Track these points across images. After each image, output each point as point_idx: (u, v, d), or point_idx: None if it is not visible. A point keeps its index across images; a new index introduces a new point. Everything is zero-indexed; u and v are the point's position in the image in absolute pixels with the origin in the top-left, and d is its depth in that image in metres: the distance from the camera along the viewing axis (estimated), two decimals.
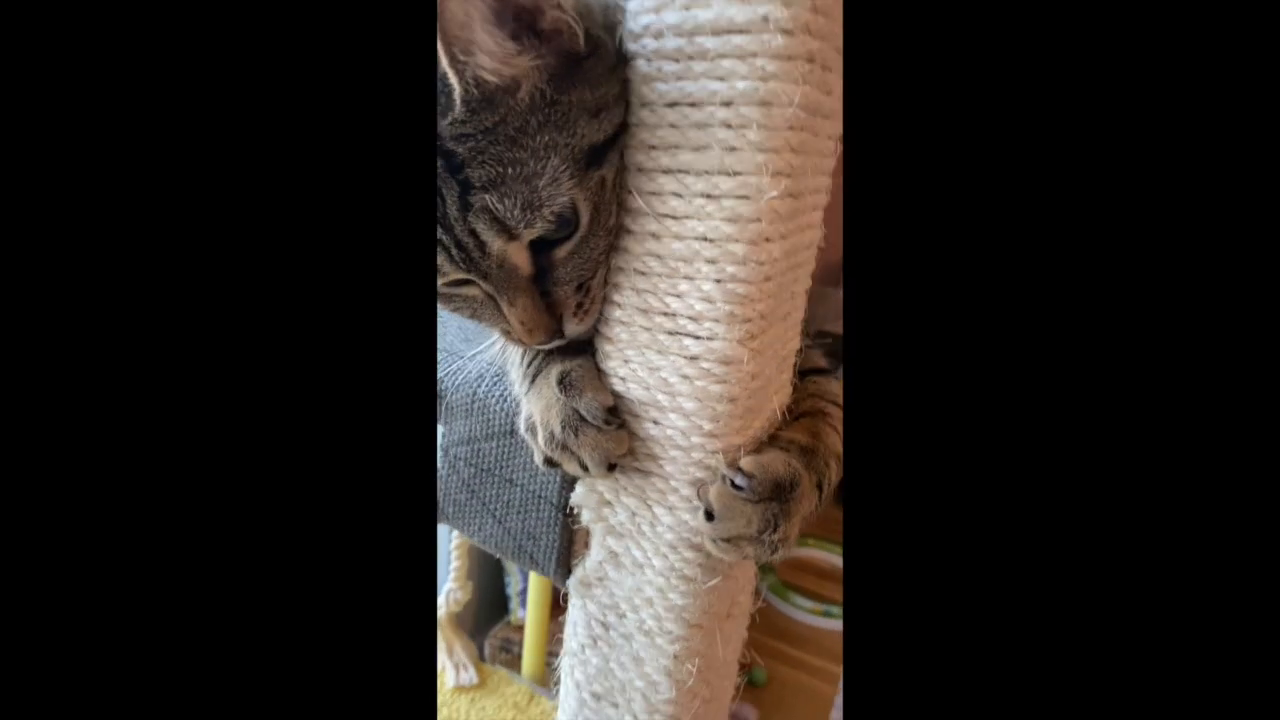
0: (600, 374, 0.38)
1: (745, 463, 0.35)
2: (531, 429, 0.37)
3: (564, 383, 0.36)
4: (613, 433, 0.36)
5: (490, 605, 1.64)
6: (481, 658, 1.27)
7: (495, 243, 0.32)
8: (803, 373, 0.46)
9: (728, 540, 0.35)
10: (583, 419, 0.36)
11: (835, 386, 0.46)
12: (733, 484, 0.35)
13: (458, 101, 0.30)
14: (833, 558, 2.47)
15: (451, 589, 1.12)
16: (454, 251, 0.33)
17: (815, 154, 0.35)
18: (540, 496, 0.42)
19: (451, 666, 1.13)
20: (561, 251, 0.33)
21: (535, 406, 0.37)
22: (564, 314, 0.35)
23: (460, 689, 1.13)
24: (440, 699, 1.10)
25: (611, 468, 0.36)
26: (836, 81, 0.35)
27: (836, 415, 0.43)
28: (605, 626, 0.42)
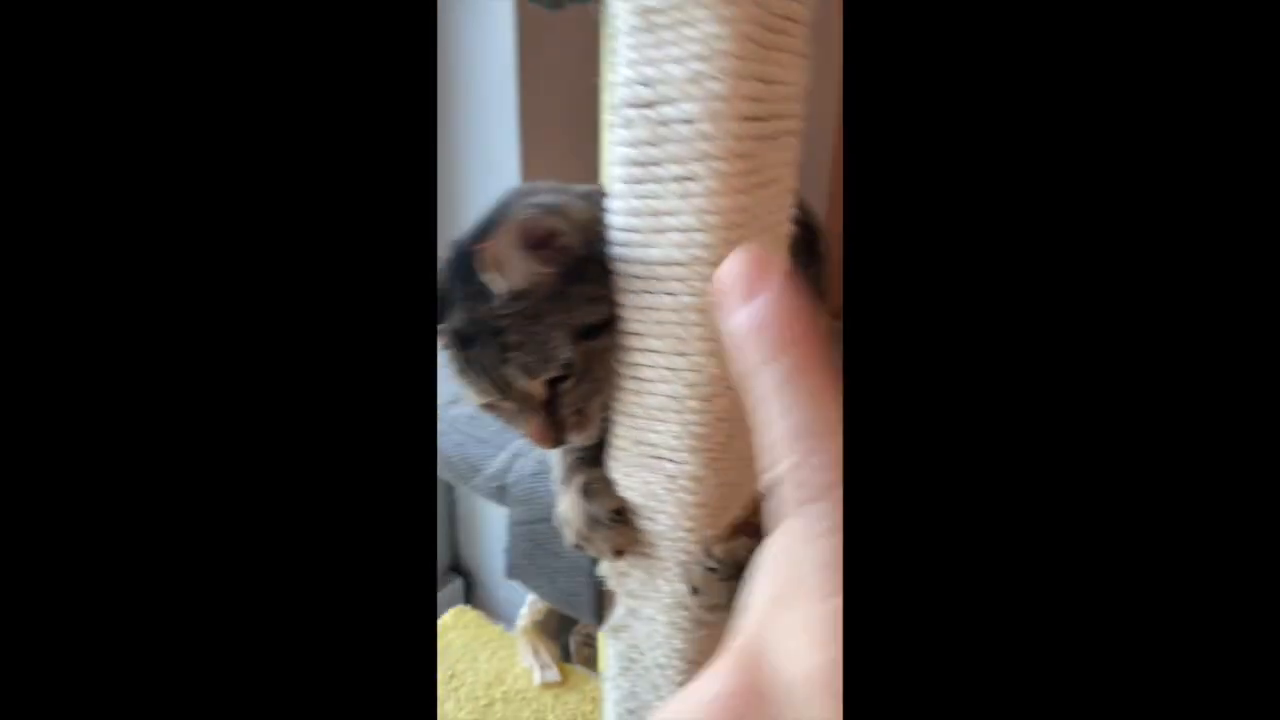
0: (611, 484, 0.52)
1: (716, 550, 0.48)
2: (564, 523, 0.52)
3: (585, 491, 0.51)
4: (619, 529, 0.50)
5: None
6: (568, 654, 1.43)
7: (520, 382, 0.47)
8: None
9: (708, 609, 0.48)
10: (597, 519, 0.50)
11: None
12: (707, 567, 0.48)
13: (498, 298, 0.45)
14: None
15: (533, 600, 1.30)
16: (491, 385, 0.48)
17: None
18: (578, 566, 0.57)
19: (537, 667, 1.31)
20: (565, 386, 0.48)
21: (565, 506, 0.52)
22: (566, 429, 0.49)
23: (546, 685, 1.30)
24: (528, 695, 1.28)
25: (619, 553, 0.50)
26: None
27: None
28: (631, 661, 0.56)
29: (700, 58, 0.38)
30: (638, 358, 0.47)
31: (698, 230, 0.41)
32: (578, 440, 0.51)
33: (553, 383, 0.48)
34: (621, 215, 0.44)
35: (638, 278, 0.45)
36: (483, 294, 0.45)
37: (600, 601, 0.57)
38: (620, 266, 0.45)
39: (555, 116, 1.26)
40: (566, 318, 0.46)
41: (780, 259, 0.49)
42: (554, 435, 0.49)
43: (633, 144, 0.42)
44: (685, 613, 0.51)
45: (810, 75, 0.46)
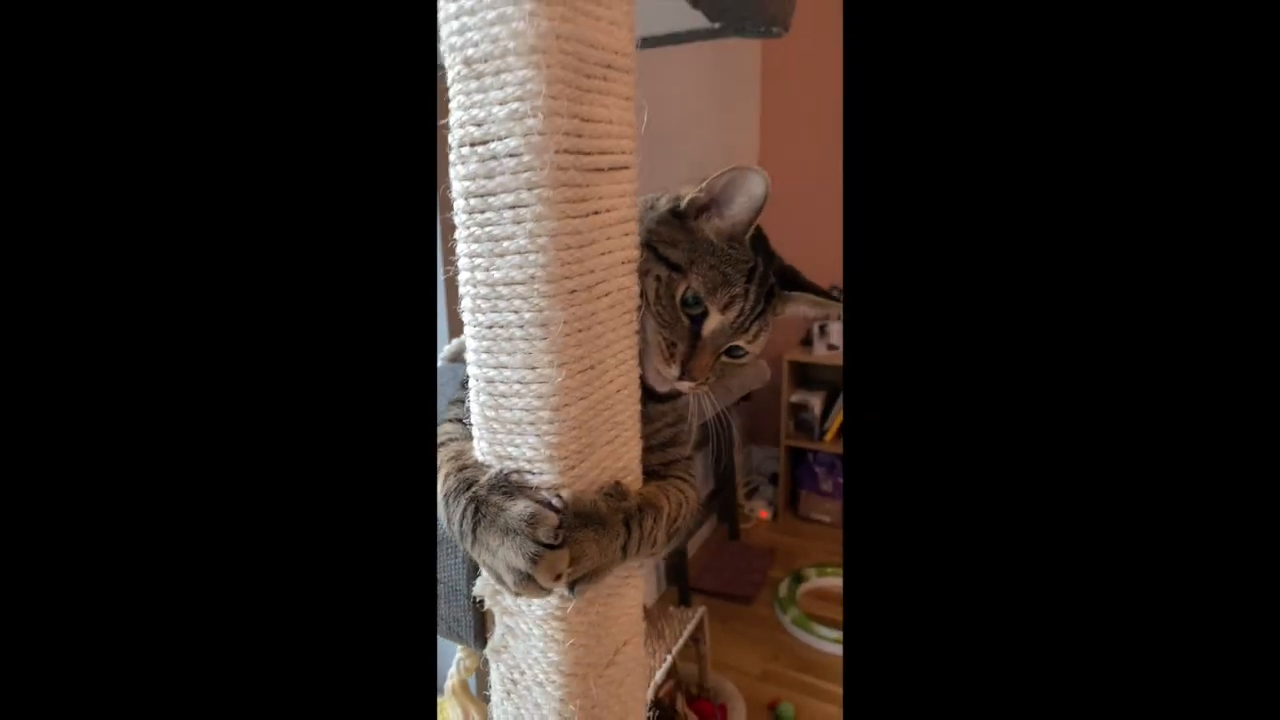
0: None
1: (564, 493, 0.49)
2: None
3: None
4: None
5: None
6: None
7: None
8: (667, 462, 0.62)
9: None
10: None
11: (678, 472, 0.62)
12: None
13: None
14: None
15: (460, 658, 1.26)
16: (747, 306, 0.58)
17: (605, 336, 0.51)
18: (455, 589, 0.57)
19: None
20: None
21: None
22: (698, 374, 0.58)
23: None
24: None
25: None
26: (617, 288, 0.51)
27: (675, 485, 0.59)
28: (513, 682, 0.56)
29: (518, 99, 0.43)
30: (492, 374, 0.50)
31: (531, 251, 0.45)
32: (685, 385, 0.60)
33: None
34: (465, 242, 0.48)
35: (484, 299, 0.48)
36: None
37: (480, 623, 0.58)
38: (467, 289, 0.49)
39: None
40: None
41: (629, 284, 0.53)
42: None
43: (470, 178, 0.46)
44: (556, 624, 0.53)
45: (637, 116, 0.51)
